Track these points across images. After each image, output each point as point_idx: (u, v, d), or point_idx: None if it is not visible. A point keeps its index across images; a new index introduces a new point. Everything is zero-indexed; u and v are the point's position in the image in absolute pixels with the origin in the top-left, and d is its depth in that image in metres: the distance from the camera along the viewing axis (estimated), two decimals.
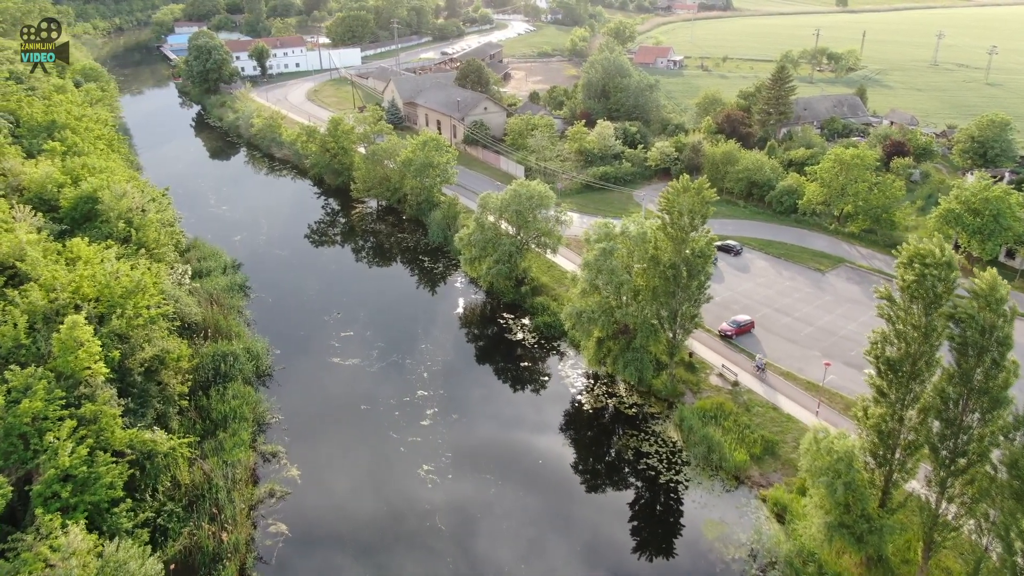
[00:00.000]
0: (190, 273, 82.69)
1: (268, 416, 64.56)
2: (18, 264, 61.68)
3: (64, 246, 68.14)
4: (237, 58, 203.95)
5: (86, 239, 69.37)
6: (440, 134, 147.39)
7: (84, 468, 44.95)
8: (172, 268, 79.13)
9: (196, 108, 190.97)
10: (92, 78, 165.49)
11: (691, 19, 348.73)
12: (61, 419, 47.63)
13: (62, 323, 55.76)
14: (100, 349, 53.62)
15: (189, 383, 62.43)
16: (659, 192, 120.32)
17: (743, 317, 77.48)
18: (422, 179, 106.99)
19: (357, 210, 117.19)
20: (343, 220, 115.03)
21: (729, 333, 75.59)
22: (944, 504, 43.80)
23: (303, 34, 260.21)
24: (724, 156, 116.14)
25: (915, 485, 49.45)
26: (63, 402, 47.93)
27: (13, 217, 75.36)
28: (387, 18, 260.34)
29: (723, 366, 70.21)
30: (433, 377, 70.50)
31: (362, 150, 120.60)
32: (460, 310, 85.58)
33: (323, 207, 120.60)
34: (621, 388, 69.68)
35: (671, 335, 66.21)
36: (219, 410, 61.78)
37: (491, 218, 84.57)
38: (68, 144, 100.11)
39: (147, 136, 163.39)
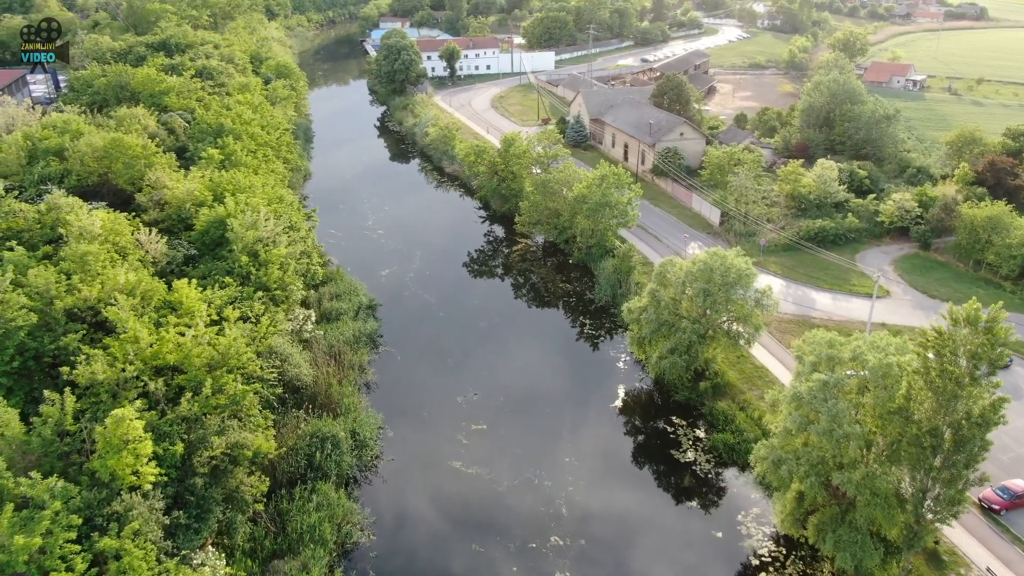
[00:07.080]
0: (313, 319, 72.42)
1: (356, 534, 51.69)
2: (104, 311, 53.09)
3: (170, 288, 59.39)
4: (428, 58, 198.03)
5: (195, 281, 60.20)
6: (626, 160, 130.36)
7: None
8: (292, 315, 69.03)
9: (383, 109, 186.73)
10: (283, 75, 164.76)
11: (935, 30, 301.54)
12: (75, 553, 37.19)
13: (128, 399, 46.65)
14: (154, 447, 43.20)
15: (268, 483, 50.88)
16: (892, 258, 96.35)
17: (1020, 483, 54.12)
18: (595, 220, 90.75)
19: (519, 246, 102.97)
20: (505, 252, 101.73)
21: (996, 508, 52.80)
22: None
23: (501, 33, 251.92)
24: (988, 221, 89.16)
25: None
26: (74, 534, 37.22)
27: (137, 241, 68.76)
28: (587, 20, 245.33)
29: (988, 570, 48.04)
30: (572, 511, 54.16)
31: (537, 171, 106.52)
32: (619, 403, 68.59)
33: (485, 236, 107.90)
34: (826, 570, 49.76)
35: (914, 518, 45.51)
36: (296, 524, 49.77)
37: (670, 294, 66.70)
38: (227, 152, 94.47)
39: (329, 135, 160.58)
